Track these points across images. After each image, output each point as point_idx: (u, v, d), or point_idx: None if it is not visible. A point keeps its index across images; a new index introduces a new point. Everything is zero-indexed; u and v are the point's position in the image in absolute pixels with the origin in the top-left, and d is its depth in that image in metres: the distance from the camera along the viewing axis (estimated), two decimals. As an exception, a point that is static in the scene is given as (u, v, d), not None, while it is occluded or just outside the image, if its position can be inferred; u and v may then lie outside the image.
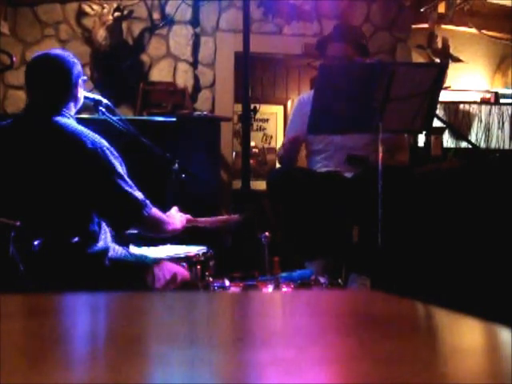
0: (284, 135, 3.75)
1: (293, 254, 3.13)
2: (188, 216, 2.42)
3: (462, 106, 4.55)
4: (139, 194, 2.13)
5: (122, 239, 2.26)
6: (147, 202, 2.14)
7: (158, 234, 2.35)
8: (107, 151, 2.10)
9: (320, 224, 2.96)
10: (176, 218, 2.34)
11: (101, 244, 2.10)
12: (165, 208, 2.34)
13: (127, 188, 2.10)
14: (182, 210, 2.44)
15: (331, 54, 3.19)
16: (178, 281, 2.21)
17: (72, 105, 2.22)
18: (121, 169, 2.12)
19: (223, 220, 2.71)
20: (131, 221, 2.18)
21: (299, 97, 3.86)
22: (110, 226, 2.17)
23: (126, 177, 2.12)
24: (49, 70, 2.20)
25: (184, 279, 2.25)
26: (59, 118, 2.14)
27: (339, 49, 3.18)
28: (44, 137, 2.12)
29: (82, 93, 2.27)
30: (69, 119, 2.16)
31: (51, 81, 2.19)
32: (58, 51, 2.29)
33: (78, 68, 2.23)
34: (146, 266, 2.19)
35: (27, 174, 2.10)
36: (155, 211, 2.18)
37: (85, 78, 2.32)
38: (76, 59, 2.25)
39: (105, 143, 2.11)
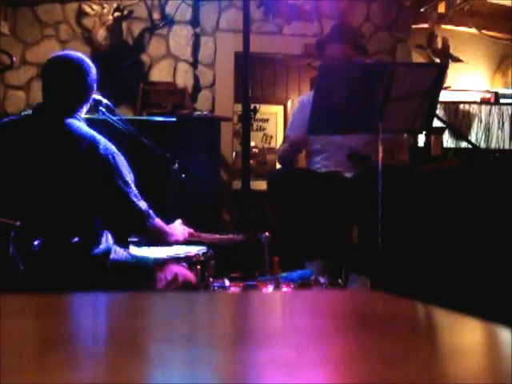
0: (284, 136, 3.75)
1: (293, 254, 3.13)
2: (191, 230, 2.43)
3: (462, 105, 4.55)
4: (143, 204, 2.14)
5: (122, 240, 2.26)
6: (151, 212, 2.16)
7: (159, 244, 2.37)
8: (117, 158, 2.10)
9: (320, 224, 2.96)
10: (178, 230, 2.35)
11: (103, 246, 2.10)
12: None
13: (133, 197, 2.11)
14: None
15: (330, 55, 3.19)
16: (179, 281, 2.21)
17: (84, 108, 2.23)
18: (128, 177, 2.12)
19: (226, 239, 2.70)
20: (134, 230, 2.22)
21: (299, 98, 3.86)
22: (112, 233, 2.18)
23: (132, 185, 2.13)
24: (69, 72, 2.20)
25: (186, 280, 2.25)
26: (71, 121, 2.14)
27: (338, 50, 3.17)
28: (54, 138, 2.12)
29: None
30: (80, 122, 2.16)
31: (70, 82, 2.20)
32: (75, 53, 2.27)
33: (94, 72, 2.23)
34: (148, 267, 2.20)
35: (31, 174, 2.10)
36: (158, 222, 2.19)
37: None
38: (92, 63, 2.25)
39: (115, 150, 2.12)
